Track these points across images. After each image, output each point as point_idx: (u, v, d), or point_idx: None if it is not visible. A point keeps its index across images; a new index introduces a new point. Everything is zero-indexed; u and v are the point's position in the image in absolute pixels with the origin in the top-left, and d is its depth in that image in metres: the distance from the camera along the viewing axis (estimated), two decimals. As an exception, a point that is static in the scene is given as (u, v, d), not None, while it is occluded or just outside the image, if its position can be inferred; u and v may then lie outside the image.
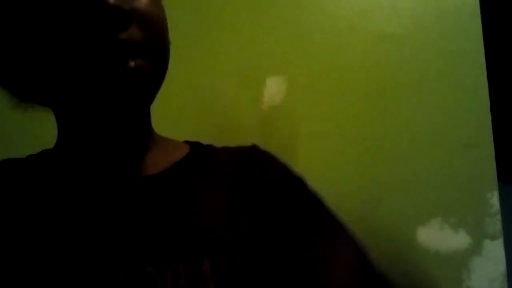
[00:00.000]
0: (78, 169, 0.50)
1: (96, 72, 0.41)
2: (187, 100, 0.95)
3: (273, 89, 1.00)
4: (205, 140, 0.96)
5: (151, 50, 0.43)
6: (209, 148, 0.58)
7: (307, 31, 1.03)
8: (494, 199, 0.94)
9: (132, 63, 0.41)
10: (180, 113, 0.93)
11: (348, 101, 1.00)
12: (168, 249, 0.45)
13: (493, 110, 0.99)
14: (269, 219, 0.48)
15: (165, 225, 0.46)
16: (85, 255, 0.43)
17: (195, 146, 0.57)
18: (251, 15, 1.05)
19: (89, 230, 0.45)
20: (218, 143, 0.97)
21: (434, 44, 1.03)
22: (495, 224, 0.93)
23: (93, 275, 0.42)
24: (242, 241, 0.47)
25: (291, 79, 1.01)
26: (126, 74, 0.41)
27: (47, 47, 0.41)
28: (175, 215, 0.47)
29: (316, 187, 0.95)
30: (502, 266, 0.91)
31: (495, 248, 0.91)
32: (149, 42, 0.43)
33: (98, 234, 0.45)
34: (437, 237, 0.93)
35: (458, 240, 0.93)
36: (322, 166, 0.97)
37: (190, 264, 0.44)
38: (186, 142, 0.58)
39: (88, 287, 0.41)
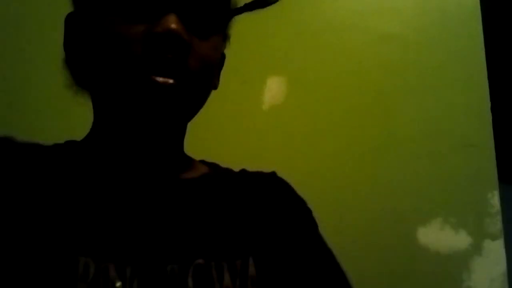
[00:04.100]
0: (107, 165, 0.52)
1: (128, 81, 0.46)
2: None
3: (273, 89, 1.00)
4: (204, 142, 0.96)
5: (188, 76, 0.47)
6: (228, 170, 0.62)
7: (308, 31, 1.03)
8: (495, 199, 0.94)
9: (160, 79, 0.45)
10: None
11: (348, 101, 1.00)
12: (213, 244, 0.48)
13: (494, 110, 0.99)
14: (280, 245, 0.54)
15: (208, 223, 0.50)
16: (138, 248, 0.45)
17: (214, 166, 0.61)
18: (251, 15, 1.05)
19: (134, 225, 0.47)
20: (218, 144, 0.98)
21: (435, 44, 1.03)
22: (496, 224, 0.93)
23: (151, 268, 0.44)
24: (275, 249, 0.52)
25: (291, 79, 1.01)
26: (152, 86, 0.45)
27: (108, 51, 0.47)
28: (216, 215, 0.51)
29: (316, 187, 0.95)
30: (502, 266, 0.91)
31: (495, 248, 0.91)
32: (191, 70, 0.47)
33: (144, 229, 0.47)
34: (438, 237, 0.93)
35: (459, 240, 0.93)
36: (323, 166, 0.97)
37: (235, 260, 0.47)
38: (202, 161, 0.61)
39: (148, 279, 0.43)
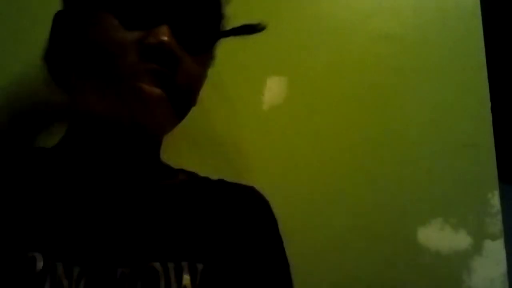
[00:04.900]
0: (79, 170, 0.52)
1: (114, 86, 0.46)
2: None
3: (273, 89, 1.00)
4: (204, 142, 0.96)
5: (174, 90, 0.47)
6: (206, 179, 0.62)
7: (308, 31, 1.03)
8: (495, 199, 0.93)
9: (146, 87, 0.46)
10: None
11: (348, 101, 1.00)
12: (170, 247, 0.48)
13: (494, 110, 0.99)
14: (239, 251, 0.54)
15: (167, 227, 0.50)
16: (91, 250, 0.45)
17: (192, 174, 0.61)
18: (251, 15, 1.05)
19: (93, 226, 0.47)
20: (218, 144, 0.97)
21: (435, 44, 1.03)
22: (496, 224, 0.93)
23: (100, 270, 0.44)
24: (226, 255, 0.52)
25: (291, 79, 1.01)
26: (138, 93, 0.45)
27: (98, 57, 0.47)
28: (176, 220, 0.51)
29: (316, 186, 0.95)
30: (502, 266, 0.91)
31: (495, 248, 0.91)
32: (177, 84, 0.48)
33: (103, 231, 0.47)
34: (438, 237, 0.93)
35: (459, 240, 0.93)
36: (322, 166, 0.97)
37: (194, 262, 0.47)
38: (181, 170, 0.61)
39: (96, 282, 0.43)
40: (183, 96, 0.49)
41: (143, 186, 0.53)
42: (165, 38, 0.45)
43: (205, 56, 0.53)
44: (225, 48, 1.07)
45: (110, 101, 0.46)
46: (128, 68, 0.45)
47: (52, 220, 0.45)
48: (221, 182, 0.62)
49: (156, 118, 0.47)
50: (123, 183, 0.51)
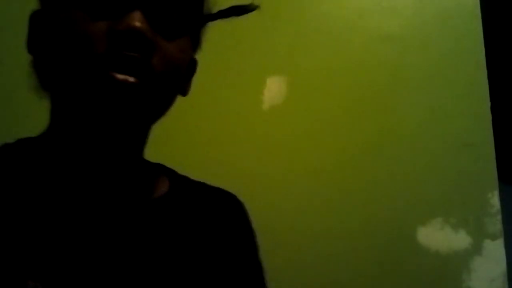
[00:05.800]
0: (60, 172, 0.50)
1: (87, 78, 0.44)
2: (186, 100, 0.95)
3: (273, 89, 1.00)
4: (205, 142, 0.96)
5: (151, 76, 0.45)
6: (187, 181, 0.61)
7: (308, 31, 1.03)
8: (495, 199, 0.94)
9: (120, 76, 0.43)
10: (178, 113, 0.92)
11: (348, 101, 1.00)
12: (164, 274, 0.47)
13: (493, 110, 0.99)
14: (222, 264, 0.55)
15: (158, 252, 0.49)
16: (89, 279, 0.44)
17: (172, 175, 0.60)
18: (251, 15, 1.05)
19: (90, 254, 0.46)
20: (218, 144, 0.98)
21: (434, 44, 1.03)
22: (496, 224, 0.93)
23: None
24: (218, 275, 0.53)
25: (291, 79, 1.01)
26: (111, 83, 0.43)
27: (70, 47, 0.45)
28: (165, 243, 0.51)
29: (317, 186, 0.95)
30: (502, 266, 0.91)
31: (495, 248, 0.91)
32: (154, 70, 0.45)
33: (101, 258, 0.46)
34: (438, 237, 0.93)
35: (459, 240, 0.93)
36: (323, 166, 0.97)
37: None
38: (161, 167, 0.60)
39: None
40: (162, 82, 0.46)
41: (129, 205, 0.51)
42: (136, 24, 0.43)
43: (185, 40, 0.50)
44: (225, 48, 1.07)
45: (84, 93, 0.44)
46: (99, 58, 0.43)
47: (48, 248, 0.44)
48: (201, 185, 0.61)
49: (132, 108, 0.45)
50: (110, 201, 0.50)
